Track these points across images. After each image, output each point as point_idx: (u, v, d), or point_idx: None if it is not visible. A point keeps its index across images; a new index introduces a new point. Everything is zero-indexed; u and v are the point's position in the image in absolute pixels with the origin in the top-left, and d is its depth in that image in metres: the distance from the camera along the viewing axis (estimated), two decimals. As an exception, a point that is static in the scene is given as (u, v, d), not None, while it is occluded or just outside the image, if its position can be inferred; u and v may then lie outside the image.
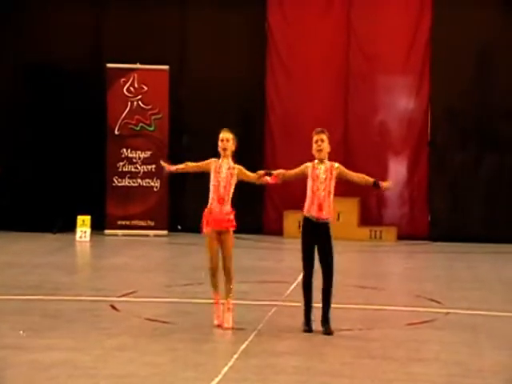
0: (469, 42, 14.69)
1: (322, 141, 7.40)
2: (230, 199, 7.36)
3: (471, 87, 14.64)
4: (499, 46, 14.69)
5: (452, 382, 5.81)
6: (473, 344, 7.00)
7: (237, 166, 7.42)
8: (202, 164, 7.50)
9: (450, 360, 6.41)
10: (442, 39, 14.71)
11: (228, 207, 7.34)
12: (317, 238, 7.28)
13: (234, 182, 7.38)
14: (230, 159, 7.42)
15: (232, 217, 7.34)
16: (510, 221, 14.58)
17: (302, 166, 7.48)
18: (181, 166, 7.58)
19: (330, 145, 7.51)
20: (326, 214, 7.32)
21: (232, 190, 7.36)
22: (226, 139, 7.39)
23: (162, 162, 7.75)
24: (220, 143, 7.42)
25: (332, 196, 7.41)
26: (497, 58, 14.69)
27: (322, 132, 7.46)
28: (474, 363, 6.37)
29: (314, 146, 7.43)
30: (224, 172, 7.35)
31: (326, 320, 7.25)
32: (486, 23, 14.76)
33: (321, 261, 7.31)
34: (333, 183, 7.40)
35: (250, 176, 7.47)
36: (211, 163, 7.42)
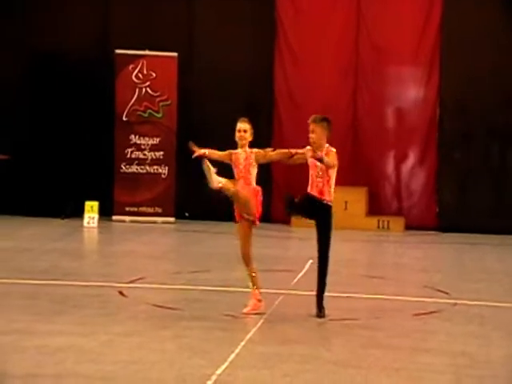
0: (479, 31, 14.60)
1: (313, 132, 7.37)
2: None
3: (481, 77, 14.57)
4: (510, 35, 14.60)
5: (459, 373, 5.81)
6: (480, 335, 6.99)
7: (254, 151, 7.42)
8: (221, 154, 7.53)
9: (457, 351, 6.40)
10: (452, 29, 14.63)
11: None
12: (316, 213, 7.29)
13: (253, 170, 7.38)
14: (247, 148, 7.40)
15: None
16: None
17: (304, 150, 7.43)
18: (204, 151, 7.52)
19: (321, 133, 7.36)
20: (328, 198, 7.32)
21: (253, 178, 7.39)
22: (244, 130, 7.41)
23: (191, 144, 7.61)
24: (237, 133, 7.44)
25: (332, 181, 7.37)
26: (508, 47, 14.60)
27: (324, 121, 7.40)
28: (481, 354, 6.36)
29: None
30: (242, 164, 7.35)
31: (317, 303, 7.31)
32: (497, 12, 14.68)
33: (317, 240, 7.34)
34: (331, 170, 7.33)
35: (273, 156, 7.48)
36: (230, 155, 7.46)
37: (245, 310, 7.32)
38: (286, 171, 14.92)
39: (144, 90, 14.66)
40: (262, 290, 7.59)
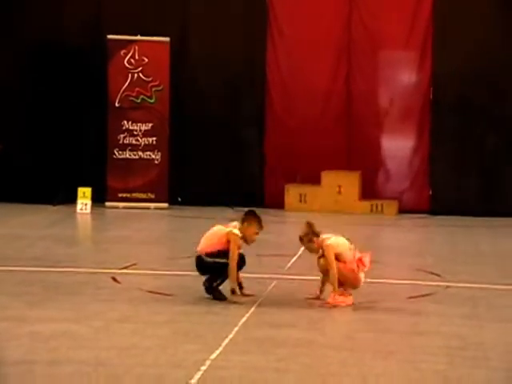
0: (471, 14, 14.59)
1: None
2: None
3: (474, 61, 14.55)
4: (502, 20, 14.59)
5: (452, 355, 5.84)
6: (472, 317, 7.03)
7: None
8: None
9: (450, 333, 6.44)
10: (444, 12, 14.61)
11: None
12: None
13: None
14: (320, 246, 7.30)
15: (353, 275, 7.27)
16: (511, 194, 14.58)
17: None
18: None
19: None
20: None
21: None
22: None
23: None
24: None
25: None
26: (500, 32, 14.58)
27: None
28: (473, 336, 6.40)
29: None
30: None
31: None
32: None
33: None
34: None
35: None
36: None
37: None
38: (280, 155, 14.95)
39: (136, 75, 14.60)
40: (255, 275, 7.60)
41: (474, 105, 14.70)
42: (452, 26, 14.58)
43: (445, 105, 14.77)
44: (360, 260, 7.24)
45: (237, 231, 7.25)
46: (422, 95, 14.97)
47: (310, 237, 7.24)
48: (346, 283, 7.23)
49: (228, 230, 7.28)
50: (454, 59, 14.53)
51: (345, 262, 7.18)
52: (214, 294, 7.29)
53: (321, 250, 7.23)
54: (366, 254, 7.32)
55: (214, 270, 7.28)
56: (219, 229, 7.37)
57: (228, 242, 7.21)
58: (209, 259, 7.28)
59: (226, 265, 7.17)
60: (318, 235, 7.23)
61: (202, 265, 7.34)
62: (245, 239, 7.32)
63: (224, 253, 7.20)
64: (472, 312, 7.21)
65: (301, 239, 7.29)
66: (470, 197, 14.63)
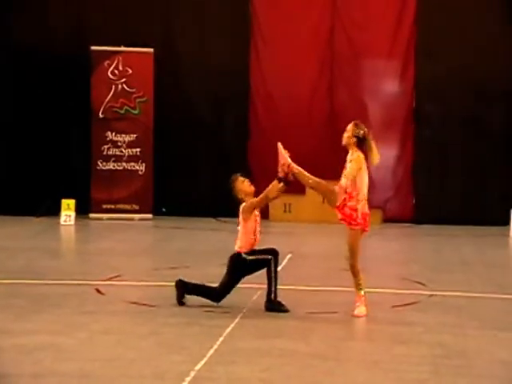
0: (453, 24, 14.71)
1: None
2: (357, 195, 7.21)
3: (457, 70, 14.67)
4: (484, 28, 14.71)
5: (436, 364, 5.86)
6: (456, 325, 7.06)
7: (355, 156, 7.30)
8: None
9: (433, 341, 6.46)
10: (426, 22, 14.73)
11: (352, 203, 7.23)
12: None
13: (359, 175, 7.22)
14: (353, 150, 7.30)
15: (355, 214, 7.20)
16: (495, 203, 14.67)
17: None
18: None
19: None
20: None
21: (357, 185, 7.21)
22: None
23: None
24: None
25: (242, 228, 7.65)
26: (482, 41, 14.70)
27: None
28: (457, 344, 6.42)
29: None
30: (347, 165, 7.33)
31: None
32: (470, 5, 14.79)
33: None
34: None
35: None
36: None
37: (356, 313, 7.26)
38: (264, 165, 14.93)
39: (120, 86, 14.61)
40: (239, 285, 7.60)
41: (457, 113, 14.80)
42: (434, 35, 14.70)
43: (428, 114, 14.87)
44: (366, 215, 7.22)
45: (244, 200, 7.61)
46: (405, 104, 15.06)
47: (356, 134, 7.30)
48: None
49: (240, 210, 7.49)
50: (436, 68, 14.64)
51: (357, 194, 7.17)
52: (276, 307, 7.28)
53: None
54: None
55: (258, 267, 7.39)
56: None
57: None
58: (250, 257, 7.39)
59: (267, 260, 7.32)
60: (359, 142, 7.27)
61: (243, 264, 7.37)
62: (247, 197, 7.71)
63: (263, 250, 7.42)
64: (455, 320, 7.24)
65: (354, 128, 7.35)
66: (453, 206, 14.71)
